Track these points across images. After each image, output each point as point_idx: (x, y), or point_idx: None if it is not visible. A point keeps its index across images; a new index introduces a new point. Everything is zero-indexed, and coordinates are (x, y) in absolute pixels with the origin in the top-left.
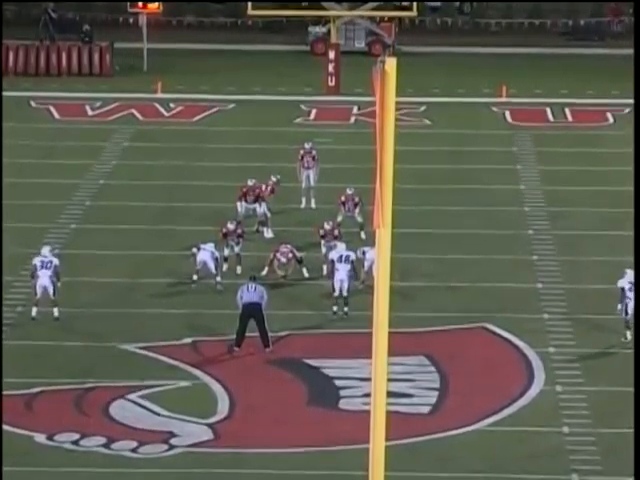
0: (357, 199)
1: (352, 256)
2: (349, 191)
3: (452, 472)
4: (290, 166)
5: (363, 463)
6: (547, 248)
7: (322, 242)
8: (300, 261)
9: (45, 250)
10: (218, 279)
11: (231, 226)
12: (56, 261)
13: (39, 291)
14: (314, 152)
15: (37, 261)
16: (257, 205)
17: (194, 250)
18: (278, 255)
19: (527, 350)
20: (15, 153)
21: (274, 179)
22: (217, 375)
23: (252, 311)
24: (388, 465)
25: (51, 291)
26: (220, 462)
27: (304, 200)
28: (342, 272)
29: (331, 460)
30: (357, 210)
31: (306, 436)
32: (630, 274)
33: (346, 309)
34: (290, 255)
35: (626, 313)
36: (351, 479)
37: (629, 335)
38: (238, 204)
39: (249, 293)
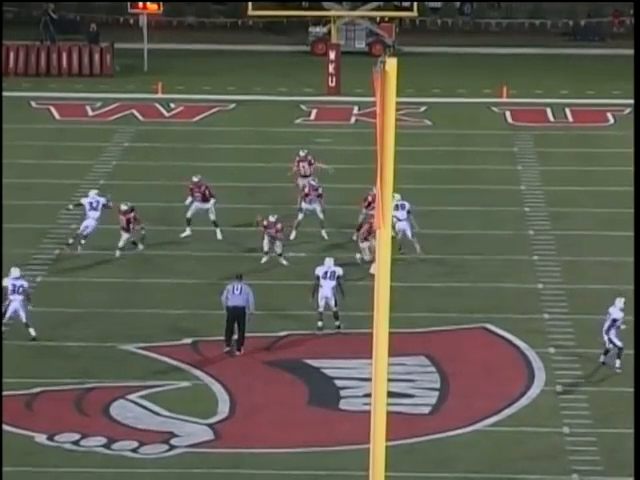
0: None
1: (338, 272)
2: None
3: (452, 472)
4: (290, 166)
5: (364, 463)
6: (547, 248)
7: (355, 235)
8: (280, 254)
9: (15, 272)
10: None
11: (195, 179)
12: (26, 284)
13: (9, 314)
14: (310, 158)
15: (9, 284)
16: (206, 204)
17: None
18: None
19: (527, 350)
20: (16, 153)
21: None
22: (217, 375)
23: (237, 315)
24: (388, 465)
25: (23, 315)
26: (220, 462)
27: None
28: (326, 289)
29: (331, 460)
30: None
31: (306, 436)
32: (619, 303)
33: (337, 323)
34: (279, 226)
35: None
36: (352, 479)
37: (618, 362)
38: (188, 201)
39: (234, 296)
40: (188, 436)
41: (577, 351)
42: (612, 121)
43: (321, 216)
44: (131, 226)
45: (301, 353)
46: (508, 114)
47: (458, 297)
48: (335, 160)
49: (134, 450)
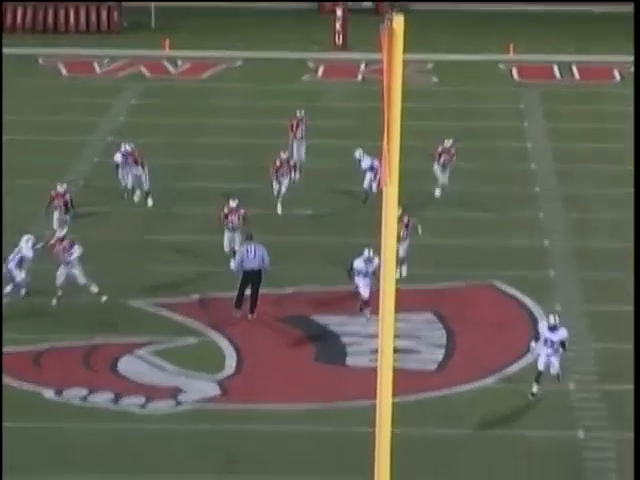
0: (453, 150)
1: (371, 268)
2: (447, 143)
3: (459, 428)
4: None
5: (370, 419)
6: (554, 205)
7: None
8: (250, 238)
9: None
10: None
11: (60, 189)
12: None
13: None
14: (305, 120)
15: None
16: (139, 168)
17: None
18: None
19: (534, 307)
20: (23, 110)
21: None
22: (225, 331)
23: (252, 277)
24: (395, 421)
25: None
26: (227, 418)
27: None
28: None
29: (338, 416)
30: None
31: (313, 392)
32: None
33: (367, 311)
34: (242, 212)
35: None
36: (358, 435)
37: (535, 388)
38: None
39: (249, 259)
40: (195, 392)
41: (584, 308)
42: (619, 79)
43: (283, 189)
44: (70, 208)
45: (308, 310)
46: (515, 71)
47: (465, 254)
48: (342, 117)
49: (142, 406)
